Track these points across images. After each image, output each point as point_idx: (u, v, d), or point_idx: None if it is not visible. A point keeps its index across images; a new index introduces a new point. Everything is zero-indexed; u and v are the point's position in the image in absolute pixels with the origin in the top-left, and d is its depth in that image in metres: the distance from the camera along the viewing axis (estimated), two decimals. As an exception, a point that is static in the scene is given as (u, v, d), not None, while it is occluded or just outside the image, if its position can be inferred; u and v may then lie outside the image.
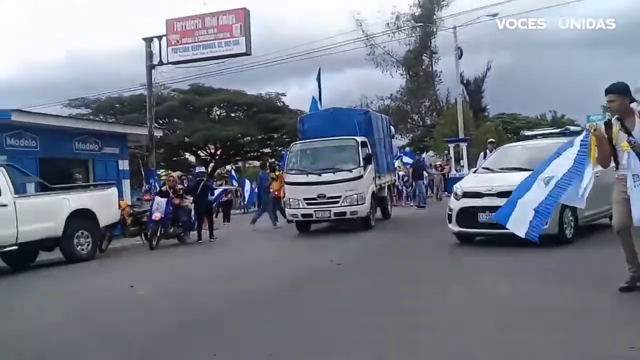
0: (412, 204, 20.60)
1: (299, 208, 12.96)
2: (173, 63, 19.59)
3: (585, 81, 63.67)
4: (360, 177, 12.78)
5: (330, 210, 12.69)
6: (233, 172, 29.21)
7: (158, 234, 12.64)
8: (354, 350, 4.26)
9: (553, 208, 5.51)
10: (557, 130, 10.35)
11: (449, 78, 36.11)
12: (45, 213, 10.58)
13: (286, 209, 13.66)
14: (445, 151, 29.60)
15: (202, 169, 17.57)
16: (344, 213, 12.68)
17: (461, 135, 30.75)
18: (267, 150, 40.71)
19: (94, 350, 4.84)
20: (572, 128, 10.30)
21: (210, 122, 38.23)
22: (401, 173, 21.83)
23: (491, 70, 40.21)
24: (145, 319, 5.81)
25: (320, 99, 19.05)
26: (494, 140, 16.47)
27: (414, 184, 20.71)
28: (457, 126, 31.04)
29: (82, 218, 11.15)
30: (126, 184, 17.94)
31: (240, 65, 25.00)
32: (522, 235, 5.59)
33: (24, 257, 10.81)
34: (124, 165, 18.06)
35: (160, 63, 19.44)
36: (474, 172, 10.35)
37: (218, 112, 40.77)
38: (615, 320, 4.60)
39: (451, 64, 32.98)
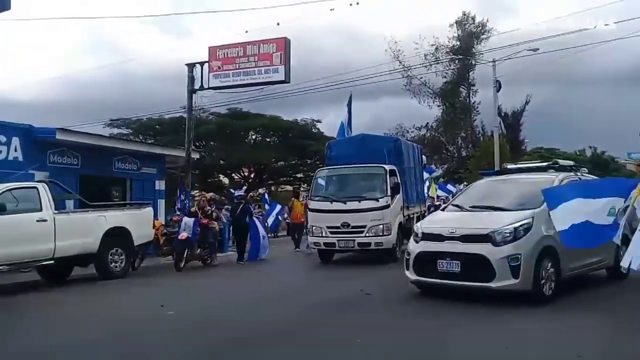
0: None
1: (322, 236, 12.63)
2: (213, 88, 19.95)
3: (625, 118, 62.51)
4: (387, 206, 12.38)
5: (354, 240, 12.31)
6: (266, 196, 29.40)
7: (185, 255, 12.55)
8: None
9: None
10: (545, 164, 9.48)
11: (487, 110, 35.97)
12: (82, 229, 10.84)
13: (309, 237, 13.36)
14: None
15: (242, 192, 17.83)
16: (369, 244, 12.28)
17: (497, 168, 30.35)
18: (300, 175, 40.94)
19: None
20: (561, 162, 9.30)
21: (245, 145, 38.72)
22: (436, 203, 21.11)
23: (530, 104, 39.88)
24: (175, 340, 5.86)
25: (350, 124, 18.63)
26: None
27: None
28: (493, 159, 30.70)
29: (117, 236, 11.38)
30: (161, 203, 18.23)
31: (279, 91, 25.37)
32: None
33: (59, 272, 11.05)
34: (160, 185, 18.39)
35: (201, 88, 19.83)
36: (442, 209, 9.42)
37: (254, 137, 41.28)
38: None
39: (489, 96, 32.79)
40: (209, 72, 19.49)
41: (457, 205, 8.58)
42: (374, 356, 5.11)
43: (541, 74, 51.15)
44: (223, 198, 19.21)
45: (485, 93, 36.12)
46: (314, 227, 12.81)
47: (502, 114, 37.86)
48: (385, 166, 12.84)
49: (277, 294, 8.94)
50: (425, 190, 20.30)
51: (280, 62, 18.75)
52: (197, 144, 33.87)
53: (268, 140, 40.95)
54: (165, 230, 13.86)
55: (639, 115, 55.26)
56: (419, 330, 6.03)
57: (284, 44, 18.84)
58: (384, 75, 32.61)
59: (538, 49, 28.37)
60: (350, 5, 20.31)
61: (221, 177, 42.11)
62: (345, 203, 12.40)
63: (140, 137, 35.57)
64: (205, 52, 19.75)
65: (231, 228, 15.80)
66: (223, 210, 20.29)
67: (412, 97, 39.23)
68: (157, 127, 37.92)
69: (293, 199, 17.88)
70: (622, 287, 8.48)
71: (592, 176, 9.65)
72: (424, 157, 19.11)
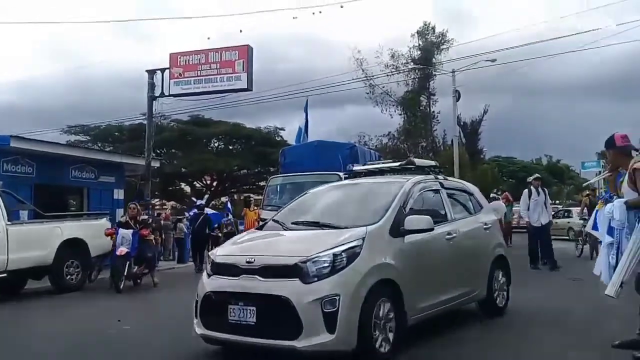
0: None
1: None
2: (174, 95, 19.78)
3: (581, 128, 64.75)
4: None
5: None
6: (229, 204, 29.17)
7: (125, 272, 10.88)
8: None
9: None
10: (398, 164, 7.34)
11: (447, 119, 36.63)
12: (36, 241, 10.53)
13: None
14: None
15: (202, 201, 17.50)
16: None
17: (457, 177, 30.94)
18: (262, 183, 40.77)
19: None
20: (418, 162, 7.42)
21: (208, 153, 38.35)
22: None
23: (488, 114, 40.77)
24: (130, 357, 5.73)
25: (307, 130, 18.23)
26: (540, 176, 14.01)
27: None
28: (453, 167, 31.27)
29: (73, 247, 11.10)
30: (120, 213, 17.87)
31: (241, 99, 25.33)
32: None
33: (12, 285, 10.68)
34: (119, 194, 18.02)
35: (162, 95, 19.62)
36: (259, 227, 7.23)
37: (216, 144, 40.95)
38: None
39: (449, 106, 33.46)
40: (169, 79, 19.33)
41: (277, 221, 6.18)
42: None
43: (499, 84, 52.65)
44: (184, 207, 18.98)
45: (445, 102, 36.83)
46: None
47: (462, 123, 38.61)
48: (341, 173, 11.96)
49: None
50: None
51: (243, 70, 18.77)
52: (158, 151, 33.45)
53: (231, 148, 40.69)
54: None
55: (593, 126, 57.33)
56: None
57: (247, 52, 18.85)
58: (347, 84, 32.92)
59: (496, 60, 29.18)
60: (313, 14, 20.49)
61: (183, 185, 41.59)
62: None
63: (99, 145, 34.90)
64: (166, 58, 19.58)
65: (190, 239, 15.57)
66: (184, 220, 20.16)
67: (374, 106, 39.60)
68: (116, 134, 37.25)
69: (245, 208, 16.93)
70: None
71: (453, 179, 8.39)
72: None
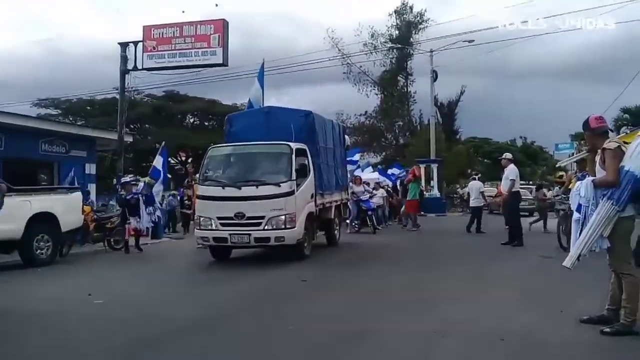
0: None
1: (212, 229, 10.31)
2: (148, 69, 19.41)
3: (555, 110, 65.57)
4: (291, 193, 10.21)
5: (249, 235, 10.07)
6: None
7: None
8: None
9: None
10: None
11: (424, 100, 36.73)
12: (5, 215, 10.25)
13: (195, 230, 10.99)
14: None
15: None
16: (268, 239, 10.13)
17: (433, 157, 31.18)
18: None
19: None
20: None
21: (183, 129, 37.90)
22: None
23: (465, 95, 40.94)
24: (103, 331, 5.64)
25: (262, 97, 15.84)
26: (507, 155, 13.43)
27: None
28: (429, 147, 31.46)
29: (43, 221, 10.86)
30: (92, 188, 17.59)
31: (218, 75, 24.98)
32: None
33: (-20, 259, 10.48)
34: (90, 169, 17.74)
35: (135, 68, 19.23)
36: None
37: (192, 120, 40.46)
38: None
39: (426, 86, 33.56)
40: (143, 52, 18.93)
41: None
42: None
43: (476, 65, 52.79)
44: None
45: (423, 83, 36.86)
46: (201, 218, 10.52)
47: (439, 104, 38.74)
48: (292, 144, 10.75)
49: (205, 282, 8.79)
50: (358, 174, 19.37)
51: (218, 45, 18.50)
52: (132, 126, 32.95)
53: (206, 124, 40.29)
54: (95, 216, 13.39)
55: (568, 108, 58.08)
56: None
57: (222, 26, 18.58)
58: (324, 62, 32.72)
59: (473, 41, 29.30)
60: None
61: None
62: (240, 189, 10.18)
63: (70, 119, 34.21)
64: (139, 31, 19.15)
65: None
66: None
67: (352, 85, 39.44)
68: (88, 108, 36.58)
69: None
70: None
71: None
72: (347, 137, 17.03)
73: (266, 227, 10.05)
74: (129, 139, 20.62)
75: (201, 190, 11.00)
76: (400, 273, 9.12)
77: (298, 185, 10.42)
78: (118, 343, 5.11)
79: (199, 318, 6.09)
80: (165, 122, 37.56)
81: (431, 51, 31.65)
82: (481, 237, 15.14)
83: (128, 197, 12.82)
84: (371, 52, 37.67)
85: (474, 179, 18.84)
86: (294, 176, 10.32)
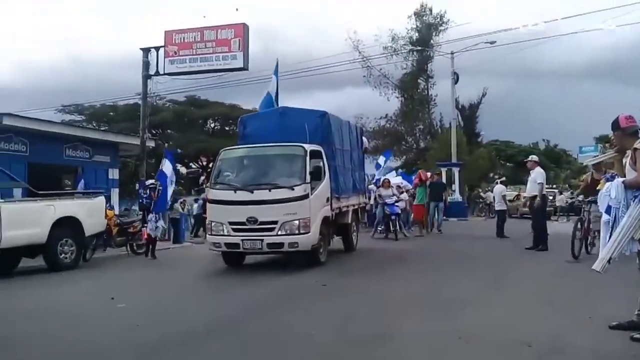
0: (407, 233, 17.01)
1: (223, 235, 10.00)
2: (169, 74, 19.59)
3: (579, 112, 64.56)
4: (305, 196, 9.83)
5: (262, 240, 9.71)
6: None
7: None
8: None
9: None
10: None
11: (445, 102, 36.41)
12: (30, 219, 10.41)
13: (207, 235, 10.76)
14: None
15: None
16: (281, 244, 9.78)
17: (454, 160, 30.88)
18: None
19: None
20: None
21: (204, 134, 38.20)
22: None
23: (487, 97, 40.51)
24: (125, 335, 5.66)
25: (277, 98, 15.06)
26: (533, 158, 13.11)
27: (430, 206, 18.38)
28: (450, 150, 31.17)
29: (67, 226, 10.98)
30: (115, 193, 17.79)
31: (238, 79, 25.08)
32: None
33: (5, 263, 10.60)
34: (113, 174, 17.94)
35: (157, 74, 19.43)
36: None
37: (212, 125, 40.74)
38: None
39: (447, 88, 33.26)
40: (164, 57, 19.12)
41: None
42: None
43: (497, 67, 52.26)
44: (181, 188, 18.83)
45: (443, 85, 36.56)
46: (213, 223, 10.22)
47: (460, 106, 38.39)
48: (306, 146, 10.36)
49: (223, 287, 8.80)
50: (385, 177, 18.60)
51: (239, 49, 18.58)
52: (153, 131, 33.32)
53: (227, 129, 40.53)
54: (118, 221, 13.51)
55: (590, 110, 57.16)
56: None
57: (243, 30, 18.66)
58: (343, 64, 32.67)
59: (495, 42, 28.98)
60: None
61: (179, 166, 41.47)
62: (252, 192, 9.82)
63: (94, 124, 34.71)
64: (161, 36, 19.35)
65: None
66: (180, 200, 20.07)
67: (372, 89, 39.30)
68: (111, 114, 37.09)
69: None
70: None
71: None
72: (364, 139, 16.52)
73: (279, 233, 9.71)
74: (151, 144, 20.83)
75: (212, 194, 10.58)
76: (421, 278, 9.02)
77: (313, 189, 10.06)
78: (138, 346, 5.12)
79: (220, 322, 6.09)
80: (186, 127, 37.90)
81: (452, 53, 31.39)
82: (504, 242, 14.91)
83: (145, 202, 12.93)
84: (391, 55, 37.51)
85: (497, 182, 18.58)
86: (308, 179, 9.96)
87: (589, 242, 10.63)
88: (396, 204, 16.37)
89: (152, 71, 19.44)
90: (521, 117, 61.37)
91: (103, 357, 4.90)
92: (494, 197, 18.68)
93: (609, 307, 6.04)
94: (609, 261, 4.89)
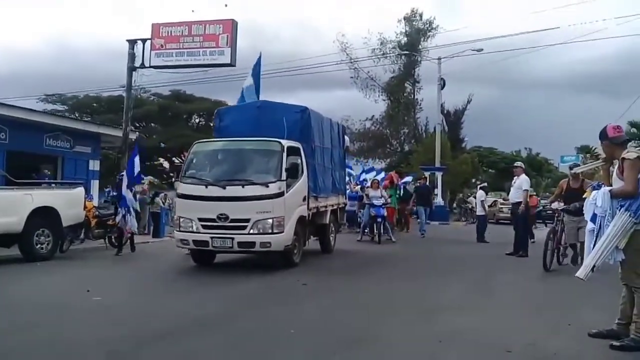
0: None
1: (192, 232, 9.52)
2: (155, 67, 19.34)
3: (561, 122, 65.43)
4: (280, 194, 9.37)
5: (233, 239, 9.26)
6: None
7: None
8: None
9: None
10: None
11: (430, 107, 36.57)
12: (6, 208, 10.20)
13: (175, 232, 10.20)
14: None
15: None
16: (252, 244, 9.33)
17: (437, 165, 31.04)
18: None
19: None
20: None
21: (188, 129, 37.89)
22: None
23: (472, 103, 40.74)
24: (98, 327, 5.53)
25: (258, 91, 14.24)
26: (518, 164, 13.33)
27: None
28: (434, 155, 31.31)
29: (44, 216, 10.78)
30: (95, 184, 17.53)
31: (225, 75, 24.92)
32: None
33: (-21, 252, 10.40)
34: (94, 165, 17.68)
35: (142, 66, 19.18)
36: None
37: (197, 120, 40.42)
38: None
39: (433, 93, 33.44)
40: (150, 50, 18.89)
41: None
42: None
43: (483, 74, 52.70)
44: (163, 182, 18.61)
45: (430, 90, 36.73)
46: (181, 219, 9.71)
47: (445, 112, 38.56)
48: (284, 142, 9.93)
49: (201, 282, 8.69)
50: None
51: (227, 44, 18.43)
52: (137, 124, 32.97)
53: (212, 124, 40.23)
54: (97, 213, 13.29)
55: (574, 121, 57.96)
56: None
57: (231, 26, 18.50)
58: (332, 66, 32.65)
59: (482, 49, 29.18)
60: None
61: (161, 160, 41.09)
62: (224, 188, 9.35)
63: (77, 115, 34.25)
64: (148, 29, 19.11)
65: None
66: (161, 195, 19.89)
67: (359, 91, 39.32)
68: (95, 105, 36.64)
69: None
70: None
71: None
72: (346, 137, 15.98)
73: (251, 231, 9.25)
74: (133, 136, 20.56)
75: (182, 188, 9.95)
76: (401, 281, 8.98)
77: (289, 187, 9.62)
78: (112, 339, 5.00)
79: (197, 318, 5.98)
80: (171, 121, 37.57)
81: (439, 59, 31.57)
82: (485, 247, 14.98)
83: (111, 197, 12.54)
84: (379, 59, 37.57)
85: (479, 188, 18.67)
86: (284, 176, 9.49)
87: (561, 252, 10.28)
88: (382, 206, 15.81)
89: (137, 63, 19.19)
90: (505, 125, 62.09)
91: (74, 351, 4.77)
92: (475, 203, 18.83)
93: (589, 314, 6.08)
94: (592, 269, 4.90)
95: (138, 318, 5.97)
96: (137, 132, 22.72)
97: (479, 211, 16.76)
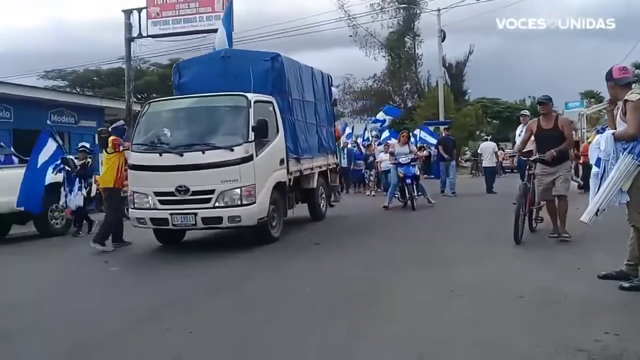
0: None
1: (148, 209, 8.10)
2: (152, 36, 19.17)
3: (564, 68, 64.53)
4: (248, 159, 7.89)
5: (195, 215, 7.82)
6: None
7: None
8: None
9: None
10: None
11: (431, 61, 36.15)
12: (17, 185, 10.30)
13: (129, 209, 8.60)
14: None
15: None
16: (219, 219, 7.89)
17: (442, 119, 30.87)
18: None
19: (63, 330, 4.73)
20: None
21: (189, 98, 37.77)
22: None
23: (473, 55, 40.26)
24: (120, 299, 5.71)
25: (230, 39, 12.49)
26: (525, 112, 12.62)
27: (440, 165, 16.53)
28: (437, 109, 31.13)
29: (56, 192, 10.90)
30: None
31: (222, 41, 24.60)
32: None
33: (-4, 230, 10.60)
34: (100, 139, 17.73)
35: (140, 36, 19.02)
36: None
37: (198, 88, 40.17)
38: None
39: (434, 47, 32.98)
40: (147, 19, 18.68)
41: None
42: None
43: (484, 25, 51.74)
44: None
45: (430, 43, 36.24)
46: (135, 194, 8.22)
47: (447, 65, 38.15)
48: (250, 95, 8.34)
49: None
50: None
51: (223, 9, 18.12)
52: (139, 96, 32.84)
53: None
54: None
55: (576, 67, 57.19)
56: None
57: (227, -10, 18.13)
58: (331, 24, 32.19)
59: (482, -2, 28.60)
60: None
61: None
62: (182, 155, 7.88)
63: (78, 89, 34.16)
64: (143, -3, 18.86)
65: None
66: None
67: (359, 49, 38.86)
68: (95, 78, 36.47)
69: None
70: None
71: None
72: (334, 89, 13.91)
73: (217, 204, 7.79)
74: (137, 108, 20.54)
75: (133, 158, 8.35)
76: (410, 237, 9.08)
77: (260, 149, 8.13)
78: (135, 309, 5.17)
79: (210, 279, 6.14)
80: (171, 90, 37.36)
81: (438, 10, 31.04)
82: (493, 197, 15.06)
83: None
84: (377, 13, 37.01)
85: (486, 140, 18.71)
86: (252, 137, 7.94)
87: (534, 216, 8.28)
88: (412, 164, 13.07)
89: (134, 33, 19.02)
90: (507, 75, 61.35)
91: (91, 323, 4.94)
92: (481, 154, 18.88)
93: (597, 258, 6.18)
94: (596, 213, 4.95)
95: (153, 286, 6.13)
96: (140, 104, 22.68)
97: (487, 163, 16.86)
